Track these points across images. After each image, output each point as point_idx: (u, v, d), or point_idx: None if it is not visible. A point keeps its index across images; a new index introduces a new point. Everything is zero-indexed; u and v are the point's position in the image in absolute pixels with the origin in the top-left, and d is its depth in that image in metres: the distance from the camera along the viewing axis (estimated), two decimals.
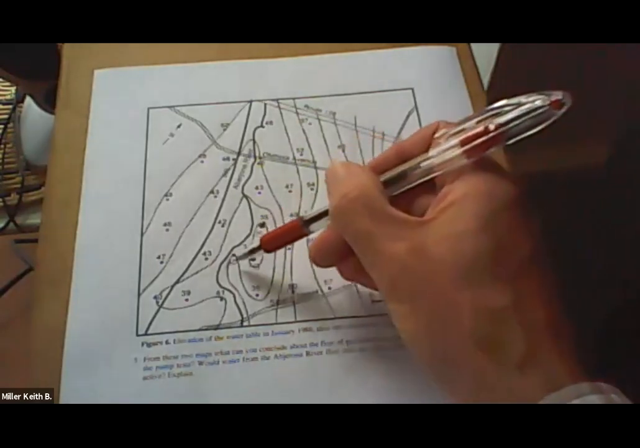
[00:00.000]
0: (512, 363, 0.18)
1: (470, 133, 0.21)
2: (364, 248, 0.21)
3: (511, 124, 0.20)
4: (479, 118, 0.21)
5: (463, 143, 0.21)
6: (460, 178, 0.21)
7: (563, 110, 0.19)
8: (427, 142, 0.23)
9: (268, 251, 0.28)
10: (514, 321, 0.18)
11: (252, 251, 0.28)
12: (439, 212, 0.20)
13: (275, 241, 0.27)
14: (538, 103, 0.19)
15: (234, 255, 0.30)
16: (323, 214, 0.24)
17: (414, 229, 0.20)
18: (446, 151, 0.21)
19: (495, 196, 0.20)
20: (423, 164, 0.22)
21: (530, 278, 0.19)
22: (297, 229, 0.26)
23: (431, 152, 0.22)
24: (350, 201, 0.21)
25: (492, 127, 0.20)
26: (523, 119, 0.20)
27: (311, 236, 0.26)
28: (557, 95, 0.19)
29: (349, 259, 0.23)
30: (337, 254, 0.23)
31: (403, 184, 0.23)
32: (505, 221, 0.20)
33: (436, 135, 0.22)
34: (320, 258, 0.24)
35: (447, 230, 0.20)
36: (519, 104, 0.20)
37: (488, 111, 0.21)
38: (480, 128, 0.20)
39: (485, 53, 0.48)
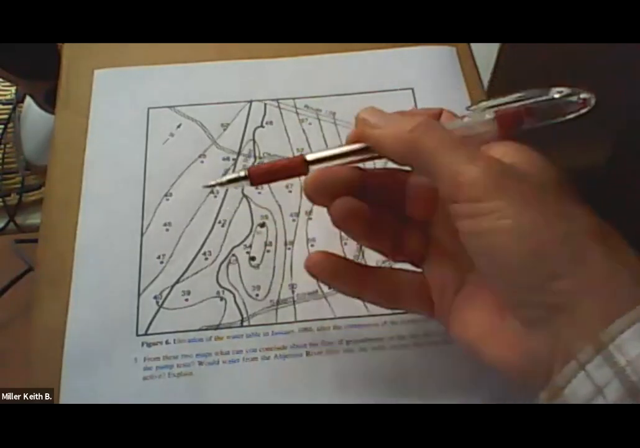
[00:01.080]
0: (620, 251, 0.19)
1: (505, 108, 0.22)
2: (454, 157, 0.20)
3: (540, 105, 0.22)
4: (509, 100, 0.23)
5: (497, 114, 0.22)
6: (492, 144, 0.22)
7: (585, 110, 0.22)
8: None
9: (254, 182, 0.23)
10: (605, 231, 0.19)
11: (236, 179, 0.23)
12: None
13: (266, 173, 0.23)
14: (567, 93, 0.22)
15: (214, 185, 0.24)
16: (331, 157, 0.23)
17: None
18: (480, 122, 0.22)
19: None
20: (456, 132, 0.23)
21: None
22: (297, 165, 0.23)
23: (466, 120, 0.23)
24: (428, 125, 0.21)
25: (525, 104, 0.22)
26: (551, 104, 0.22)
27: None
28: (586, 94, 0.22)
29: (344, 198, 0.23)
30: (337, 187, 0.23)
31: None
32: (551, 167, 0.21)
33: (472, 107, 0.24)
34: (316, 187, 0.23)
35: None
36: (548, 93, 0.22)
37: (520, 97, 0.22)
38: (515, 105, 0.22)
39: (485, 53, 0.48)
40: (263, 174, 0.23)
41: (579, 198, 0.20)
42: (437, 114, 0.24)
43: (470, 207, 0.19)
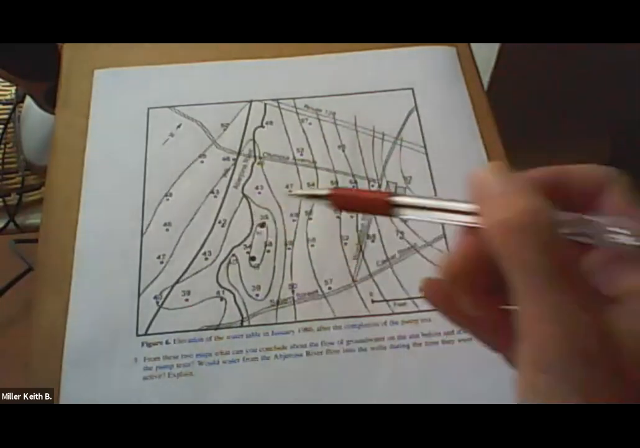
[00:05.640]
0: None
1: None
2: (536, 296, 0.15)
3: None
4: None
5: None
6: None
7: None
8: (598, 185, 0.17)
9: (335, 206, 0.21)
10: None
11: (317, 196, 0.21)
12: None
13: (350, 202, 0.21)
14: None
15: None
16: (423, 208, 0.18)
17: (602, 305, 0.15)
18: None
19: None
20: (613, 233, 0.15)
21: None
22: (380, 206, 0.19)
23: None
24: (523, 220, 0.15)
25: None
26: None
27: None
28: None
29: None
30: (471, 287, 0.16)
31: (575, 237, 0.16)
32: None
33: None
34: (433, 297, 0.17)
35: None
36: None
37: None
38: None
39: (485, 53, 0.48)
40: (345, 198, 0.21)
41: None
42: (605, 174, 0.16)
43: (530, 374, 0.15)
